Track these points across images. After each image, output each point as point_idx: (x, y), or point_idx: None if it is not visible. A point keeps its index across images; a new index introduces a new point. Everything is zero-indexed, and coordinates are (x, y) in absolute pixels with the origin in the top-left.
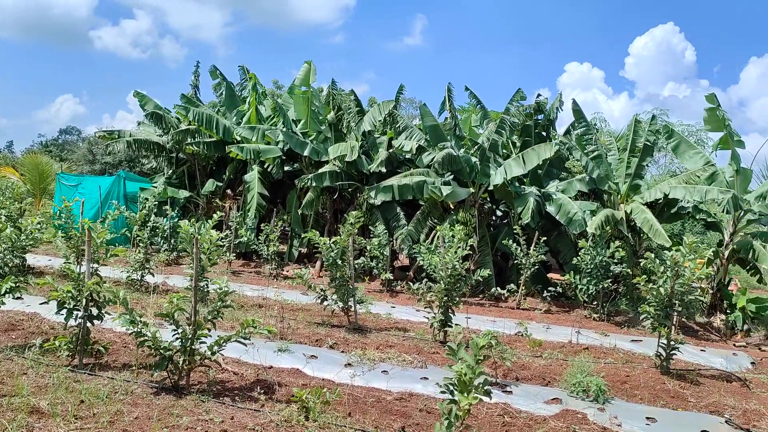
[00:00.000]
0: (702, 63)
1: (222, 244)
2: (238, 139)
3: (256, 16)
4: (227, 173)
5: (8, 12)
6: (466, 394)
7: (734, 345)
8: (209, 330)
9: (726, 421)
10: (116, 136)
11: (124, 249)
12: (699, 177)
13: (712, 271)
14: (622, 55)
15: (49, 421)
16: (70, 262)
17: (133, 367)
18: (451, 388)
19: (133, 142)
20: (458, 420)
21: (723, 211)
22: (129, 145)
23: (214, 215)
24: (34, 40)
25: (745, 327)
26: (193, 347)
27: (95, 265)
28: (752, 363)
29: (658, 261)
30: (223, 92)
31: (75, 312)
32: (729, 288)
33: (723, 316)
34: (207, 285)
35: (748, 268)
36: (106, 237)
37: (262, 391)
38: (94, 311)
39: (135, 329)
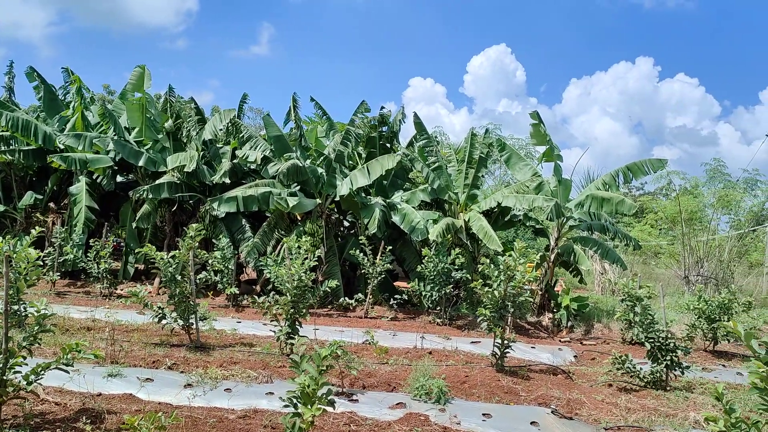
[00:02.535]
0: (531, 82)
1: (42, 263)
2: (62, 147)
3: (85, 16)
4: (50, 185)
5: None
6: (309, 406)
7: (560, 341)
8: (24, 358)
9: (552, 412)
10: None
11: None
12: (528, 187)
13: (540, 273)
14: (461, 72)
15: None
16: None
17: None
18: (295, 401)
19: None
20: None
21: (548, 218)
22: None
23: (33, 231)
24: None
25: (569, 324)
26: (4, 378)
27: None
28: (575, 356)
29: (492, 266)
30: (43, 96)
31: None
32: (555, 289)
33: (550, 315)
34: (24, 308)
35: (571, 269)
36: None
37: (88, 421)
38: None
39: None
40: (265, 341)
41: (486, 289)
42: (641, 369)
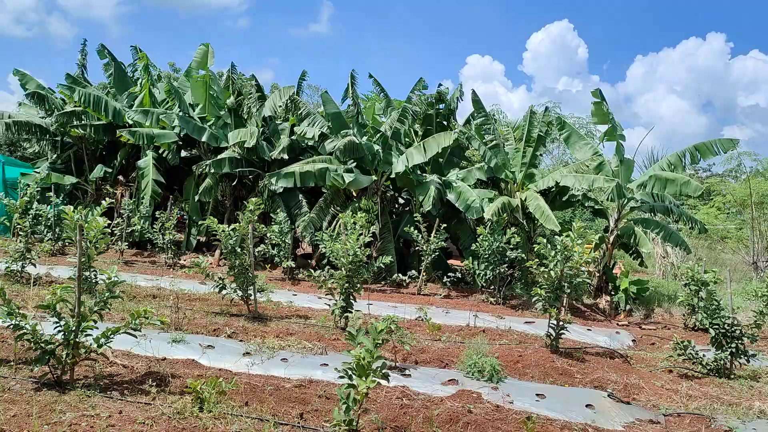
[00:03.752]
0: (593, 59)
1: (110, 231)
2: (130, 122)
3: None
4: (119, 159)
5: None
6: (364, 378)
7: (617, 324)
8: (95, 322)
9: (608, 395)
10: None
11: (3, 238)
12: (588, 167)
13: (598, 255)
14: (520, 49)
15: None
16: None
17: (11, 363)
18: (350, 372)
19: (13, 124)
20: (356, 404)
21: (608, 199)
22: (8, 127)
23: (103, 202)
24: None
25: (628, 307)
26: (77, 340)
27: None
28: (633, 341)
29: (549, 246)
30: (113, 73)
31: None
32: (613, 271)
33: (608, 298)
34: (96, 275)
35: (630, 252)
36: None
37: (154, 384)
38: None
39: (12, 322)
40: (319, 314)
41: (542, 269)
42: (704, 356)
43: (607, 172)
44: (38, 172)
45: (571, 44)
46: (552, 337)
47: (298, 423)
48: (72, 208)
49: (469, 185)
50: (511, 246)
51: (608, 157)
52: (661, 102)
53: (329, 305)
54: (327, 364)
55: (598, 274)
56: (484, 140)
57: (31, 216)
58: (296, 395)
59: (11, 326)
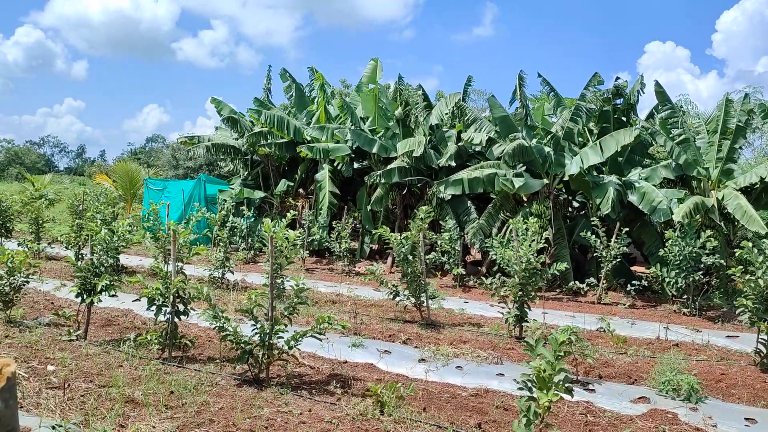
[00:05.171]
0: None
1: (297, 242)
2: (308, 139)
3: (325, 18)
4: (299, 173)
5: (99, 30)
6: (545, 391)
7: None
8: (286, 325)
9: None
10: (196, 141)
11: (206, 248)
12: None
13: None
14: (708, 31)
15: (142, 411)
16: (159, 262)
17: (217, 360)
18: (530, 384)
19: (211, 146)
20: (537, 417)
21: None
22: (207, 149)
23: (288, 214)
24: (122, 55)
25: None
26: (271, 341)
27: (180, 264)
28: None
29: (756, 250)
30: (293, 94)
31: (164, 308)
32: None
33: None
34: (283, 282)
35: None
36: (190, 237)
37: (338, 385)
38: (181, 307)
39: (218, 324)
40: (492, 322)
41: (747, 276)
42: None
43: None
44: (233, 189)
45: None
46: (762, 355)
47: None
48: (269, 220)
49: (654, 185)
50: (707, 251)
51: None
52: None
53: (502, 313)
54: (503, 374)
55: None
56: (670, 135)
57: (228, 228)
58: (473, 404)
59: (217, 328)
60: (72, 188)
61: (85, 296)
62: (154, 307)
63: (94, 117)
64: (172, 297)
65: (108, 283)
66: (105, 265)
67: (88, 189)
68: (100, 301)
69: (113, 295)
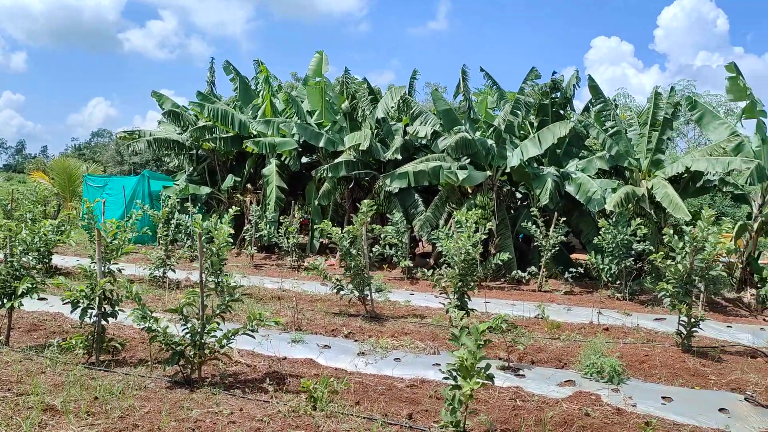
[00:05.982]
0: (735, 30)
1: (241, 237)
2: (254, 133)
3: (280, 10)
4: (246, 168)
5: (39, 20)
6: (468, 380)
7: (764, 320)
8: (219, 323)
9: (746, 399)
10: (137, 136)
11: (134, 246)
12: (724, 148)
13: (741, 244)
14: (651, 27)
15: (61, 419)
16: (94, 262)
17: (149, 363)
18: (454, 373)
19: (153, 141)
20: (462, 405)
21: (748, 183)
22: (149, 144)
23: (231, 210)
24: (64, 46)
25: None
26: (202, 341)
27: (115, 265)
28: None
29: (676, 237)
30: (238, 87)
31: (89, 310)
32: (759, 262)
33: (753, 291)
34: (223, 279)
35: None
36: (128, 236)
37: (273, 383)
38: (108, 309)
39: (146, 325)
40: (436, 313)
41: (668, 261)
42: None
43: (747, 153)
44: (177, 185)
45: (708, 16)
46: (682, 335)
47: (407, 423)
48: (200, 217)
49: (590, 176)
50: (638, 238)
51: (748, 137)
52: None
53: (444, 304)
54: (439, 364)
55: (741, 266)
56: (603, 127)
57: (172, 225)
58: (407, 395)
59: (145, 328)
60: (6, 186)
61: (5, 300)
62: (78, 310)
63: (36, 111)
64: (98, 299)
65: (30, 286)
66: (27, 267)
67: (21, 188)
68: (22, 305)
69: (42, 299)
